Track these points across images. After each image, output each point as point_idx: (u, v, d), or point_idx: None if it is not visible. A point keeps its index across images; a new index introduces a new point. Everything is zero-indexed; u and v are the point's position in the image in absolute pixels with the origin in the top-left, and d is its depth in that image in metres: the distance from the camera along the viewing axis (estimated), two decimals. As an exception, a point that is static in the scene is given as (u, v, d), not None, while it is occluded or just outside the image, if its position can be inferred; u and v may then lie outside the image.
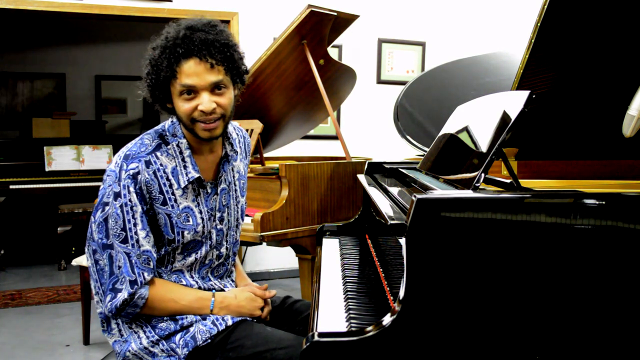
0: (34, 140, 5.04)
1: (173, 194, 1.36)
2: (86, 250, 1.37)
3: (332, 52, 3.98)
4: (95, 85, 6.54)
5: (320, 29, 2.76)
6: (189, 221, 1.39)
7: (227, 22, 4.09)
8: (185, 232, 1.39)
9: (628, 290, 1.04)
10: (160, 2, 3.87)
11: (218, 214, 1.47)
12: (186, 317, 1.40)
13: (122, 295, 1.30)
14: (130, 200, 1.30)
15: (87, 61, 6.42)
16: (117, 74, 6.52)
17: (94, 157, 4.99)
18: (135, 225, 1.31)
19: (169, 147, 1.38)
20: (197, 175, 1.39)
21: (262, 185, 2.55)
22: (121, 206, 1.30)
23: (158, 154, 1.36)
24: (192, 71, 1.28)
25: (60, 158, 4.88)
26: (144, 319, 1.39)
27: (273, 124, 3.16)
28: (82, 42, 6.34)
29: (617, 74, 1.54)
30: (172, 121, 1.42)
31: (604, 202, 1.03)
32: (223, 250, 1.51)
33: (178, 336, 1.37)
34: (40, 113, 5.44)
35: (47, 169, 4.81)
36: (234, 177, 1.54)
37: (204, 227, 1.43)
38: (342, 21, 2.90)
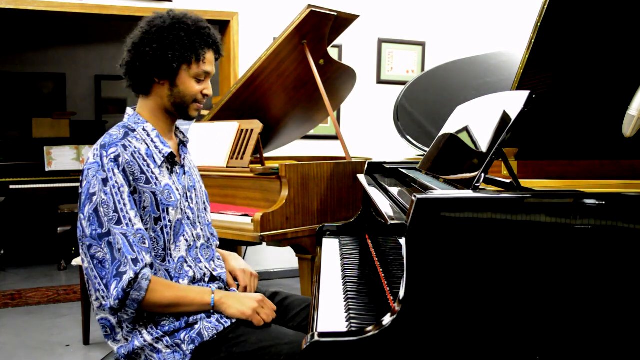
0: (34, 140, 5.04)
1: (153, 172, 1.42)
2: (81, 250, 1.37)
3: (332, 52, 3.97)
4: (95, 85, 6.54)
5: (320, 29, 2.76)
6: (171, 197, 1.44)
7: (227, 22, 4.08)
8: (170, 209, 1.43)
9: (628, 290, 1.04)
10: (160, 2, 3.87)
11: (189, 193, 1.54)
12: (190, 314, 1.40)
13: (128, 275, 1.29)
14: (117, 182, 1.34)
15: (87, 61, 6.42)
16: (117, 74, 6.43)
17: (94, 157, 4.98)
18: (125, 205, 1.34)
19: (135, 133, 1.46)
20: (170, 150, 1.47)
21: (262, 185, 2.55)
22: (110, 189, 1.33)
23: (129, 138, 1.43)
24: (210, 61, 1.49)
25: (60, 158, 4.87)
26: (147, 317, 1.39)
27: (273, 124, 3.16)
28: (82, 42, 6.34)
29: (617, 74, 1.54)
30: (129, 115, 1.51)
31: (604, 202, 1.03)
32: (199, 230, 1.55)
33: (183, 333, 1.38)
34: (40, 113, 5.43)
35: (47, 169, 4.81)
36: (191, 162, 1.63)
37: (181, 203, 1.48)
38: (342, 21, 2.90)
